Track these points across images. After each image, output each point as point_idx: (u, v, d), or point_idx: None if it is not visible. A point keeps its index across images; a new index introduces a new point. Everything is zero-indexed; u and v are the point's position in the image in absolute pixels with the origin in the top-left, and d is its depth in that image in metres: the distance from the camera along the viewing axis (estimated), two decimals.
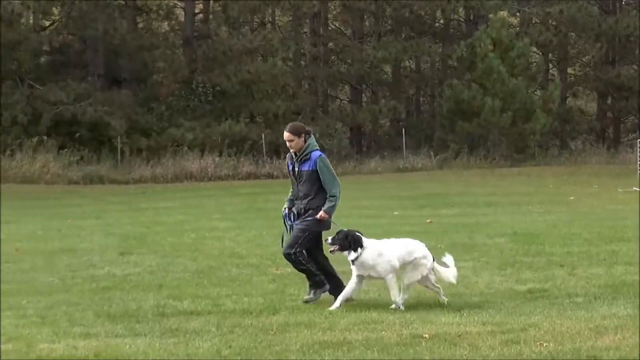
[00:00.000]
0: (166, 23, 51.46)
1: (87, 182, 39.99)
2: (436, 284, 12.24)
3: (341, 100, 60.41)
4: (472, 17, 55.89)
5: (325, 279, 12.26)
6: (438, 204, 28.18)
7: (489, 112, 47.51)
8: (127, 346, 9.80)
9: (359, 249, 11.78)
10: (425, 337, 9.80)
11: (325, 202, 12.06)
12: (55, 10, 48.80)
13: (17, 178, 38.89)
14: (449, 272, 12.24)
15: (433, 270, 12.11)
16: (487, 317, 10.97)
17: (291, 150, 12.22)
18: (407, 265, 11.95)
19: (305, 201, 12.19)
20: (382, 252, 11.86)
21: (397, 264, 11.84)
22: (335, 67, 55.46)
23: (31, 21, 48.97)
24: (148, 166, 42.50)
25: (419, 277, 11.99)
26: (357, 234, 11.94)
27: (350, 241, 11.80)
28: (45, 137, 41.68)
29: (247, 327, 10.61)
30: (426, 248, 12.18)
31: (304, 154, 12.14)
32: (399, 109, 53.51)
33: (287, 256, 12.20)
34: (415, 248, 12.07)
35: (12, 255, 17.45)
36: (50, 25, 49.72)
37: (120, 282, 14.32)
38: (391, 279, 11.83)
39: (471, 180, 38.89)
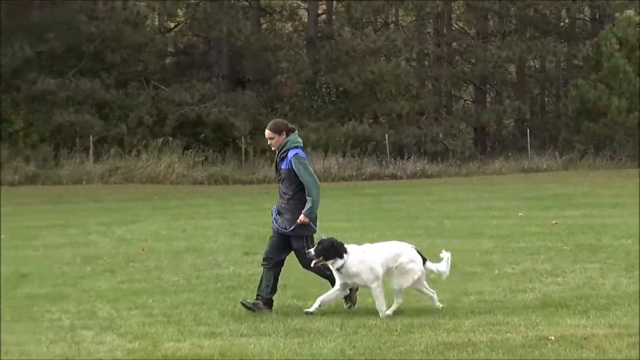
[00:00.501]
0: (290, 24, 51.80)
1: (211, 182, 40.48)
2: (429, 289, 11.78)
3: (465, 100, 59.95)
4: (597, 16, 54.72)
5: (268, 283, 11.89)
6: (563, 205, 27.62)
7: (616, 112, 46.49)
8: (252, 345, 9.83)
9: (345, 256, 11.33)
10: (551, 339, 9.61)
11: (303, 204, 11.64)
12: (179, 12, 49.59)
13: (143, 178, 39.61)
14: (441, 265, 11.78)
15: (424, 273, 11.63)
16: (614, 320, 10.70)
17: (272, 148, 11.97)
18: (393, 270, 11.45)
19: (284, 201, 11.82)
20: (364, 258, 11.39)
21: (380, 271, 11.35)
22: (459, 67, 54.97)
23: (156, 23, 49.87)
24: (272, 167, 42.75)
25: (410, 282, 11.50)
26: (339, 240, 11.46)
27: (334, 249, 11.31)
28: (170, 138, 42.36)
29: (372, 328, 10.55)
30: (414, 251, 11.66)
31: (282, 151, 11.81)
32: (523, 109, 52.79)
33: (308, 268, 11.86)
34: (401, 252, 11.56)
35: (138, 255, 17.73)
36: (175, 26, 50.52)
37: (244, 281, 14.40)
38: (376, 288, 11.34)
39: (597, 181, 38.06)
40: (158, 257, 17.52)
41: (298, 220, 11.60)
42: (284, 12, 50.75)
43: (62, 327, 11.13)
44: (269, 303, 11.80)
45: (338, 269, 11.35)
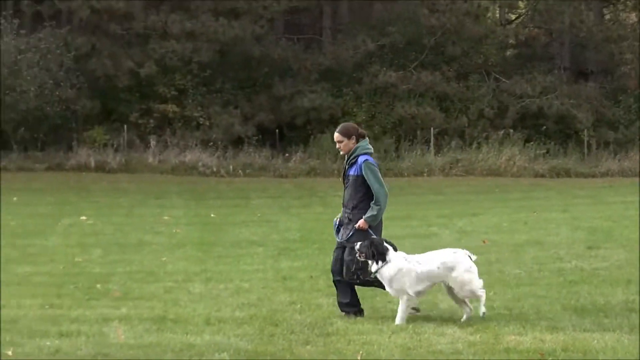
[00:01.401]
0: (634, 14, 49.81)
1: (552, 175, 39.68)
2: (468, 303, 11.03)
3: None
4: None
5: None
6: None
7: None
8: (595, 341, 9.49)
9: (380, 262, 10.81)
10: None
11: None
12: (521, 4, 49.11)
13: (484, 171, 39.50)
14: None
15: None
16: None
17: (341, 153, 11.44)
18: (449, 283, 10.85)
19: (348, 210, 11.33)
20: (402, 268, 10.82)
21: (415, 289, 10.80)
22: None
23: (497, 15, 49.66)
24: (615, 159, 41.36)
25: (468, 292, 10.83)
26: (385, 244, 10.93)
27: (374, 251, 10.83)
28: (511, 131, 41.98)
29: None
30: (469, 258, 10.94)
31: (352, 157, 11.28)
32: None
33: (354, 282, 11.35)
34: (455, 260, 10.87)
35: (479, 247, 17.62)
36: (516, 18, 50.08)
37: (588, 276, 13.97)
38: (404, 302, 10.85)
39: None
40: (499, 250, 17.37)
41: (356, 225, 11.16)
42: (627, 2, 48.87)
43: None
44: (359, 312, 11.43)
45: (375, 273, 10.94)
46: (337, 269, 11.41)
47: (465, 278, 10.80)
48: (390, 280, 10.89)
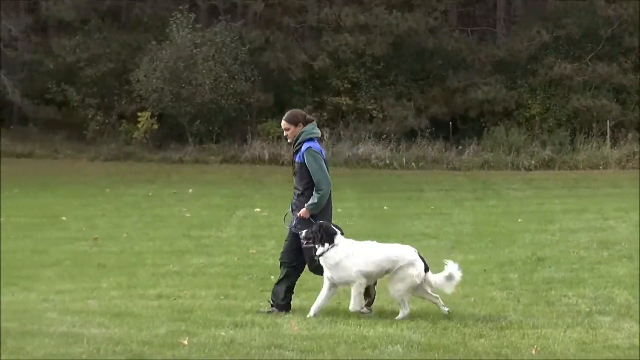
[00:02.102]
0: None
1: None
2: (433, 294, 10.94)
3: None
4: None
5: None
6: None
7: None
8: None
9: (327, 245, 10.59)
10: None
11: None
12: None
13: None
14: (439, 277, 10.83)
15: (426, 280, 10.77)
16: None
17: (288, 141, 11.19)
18: (392, 275, 10.69)
19: (294, 197, 11.19)
20: (350, 254, 10.62)
21: (364, 271, 10.62)
22: None
23: None
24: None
25: (408, 287, 10.69)
26: (333, 228, 10.71)
27: (322, 234, 10.60)
28: None
29: None
30: (416, 254, 10.79)
31: (296, 143, 11.09)
32: None
33: (316, 272, 11.12)
34: (401, 255, 10.73)
35: None
36: None
37: None
38: (358, 286, 10.65)
39: None
40: None
41: (298, 214, 10.94)
42: None
43: (578, 311, 10.98)
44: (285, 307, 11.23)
45: (319, 256, 10.67)
46: (285, 257, 11.32)
47: (405, 272, 10.72)
48: (336, 265, 10.72)
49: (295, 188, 11.24)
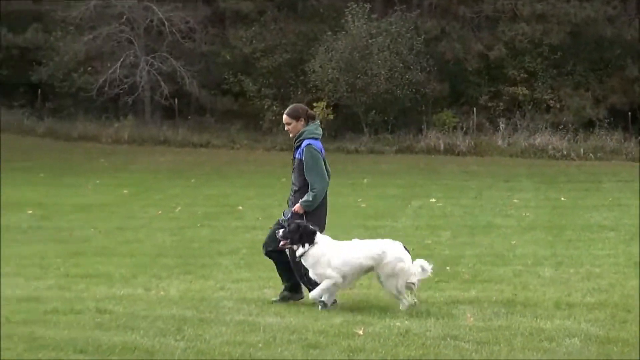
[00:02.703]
0: None
1: None
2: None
3: None
4: None
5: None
6: None
7: None
8: None
9: (307, 245, 10.41)
10: None
11: None
12: None
13: None
14: (417, 268, 10.67)
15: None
16: None
17: (290, 135, 11.06)
18: (378, 273, 10.53)
19: (291, 192, 11.08)
20: (327, 253, 10.45)
21: (342, 270, 10.46)
22: None
23: None
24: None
25: (402, 282, 10.52)
26: (312, 227, 10.52)
27: (302, 234, 10.43)
28: None
29: None
30: (403, 249, 10.63)
31: (297, 140, 10.98)
32: None
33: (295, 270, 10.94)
34: (386, 251, 10.49)
35: None
36: None
37: None
38: (327, 283, 10.48)
39: None
40: None
41: (292, 209, 10.83)
42: None
43: None
44: (294, 289, 11.16)
45: (300, 257, 10.53)
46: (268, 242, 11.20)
47: (395, 268, 10.52)
48: (315, 264, 10.55)
49: (292, 184, 11.18)
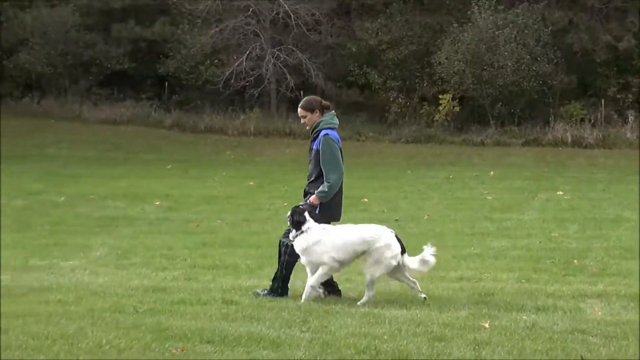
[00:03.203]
0: None
1: None
2: (411, 278, 10.73)
3: None
4: None
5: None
6: None
7: None
8: None
9: (296, 231, 10.46)
10: None
11: None
12: None
13: None
14: (416, 260, 10.59)
15: (402, 263, 10.51)
16: None
17: (307, 128, 11.04)
18: (366, 256, 10.43)
19: (308, 183, 10.98)
20: (320, 239, 10.39)
21: (335, 257, 10.37)
22: None
23: None
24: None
25: (383, 270, 10.44)
26: (302, 213, 10.48)
27: (294, 218, 10.48)
28: None
29: None
30: (392, 235, 10.51)
31: (314, 131, 10.94)
32: None
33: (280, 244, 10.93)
34: (375, 236, 10.44)
35: None
36: None
37: None
38: (327, 266, 10.40)
39: None
40: None
41: (308, 200, 10.75)
42: None
43: None
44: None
45: (292, 241, 10.56)
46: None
47: (382, 254, 10.39)
48: (304, 250, 10.49)
49: (309, 175, 11.06)
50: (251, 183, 26.95)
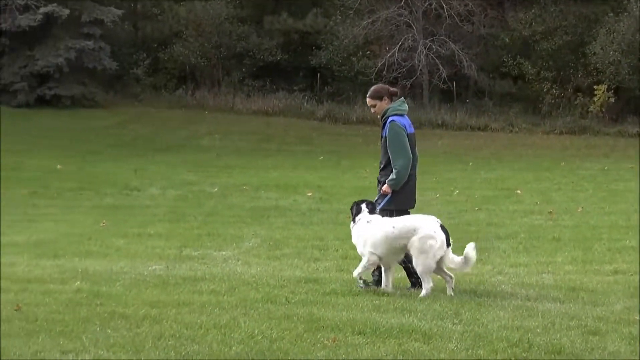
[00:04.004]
0: None
1: None
2: (448, 272, 10.39)
3: None
4: None
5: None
6: None
7: None
8: None
9: (352, 223, 10.61)
10: None
11: None
12: None
13: None
14: (458, 258, 10.27)
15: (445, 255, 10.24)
16: None
17: (378, 117, 10.99)
18: (410, 247, 10.20)
19: (379, 171, 10.97)
20: (365, 230, 10.41)
21: (374, 252, 10.31)
22: None
23: None
24: None
25: (431, 260, 10.15)
26: (361, 205, 10.59)
27: (352, 211, 10.65)
28: None
29: None
30: (437, 225, 10.26)
31: (383, 118, 10.91)
32: None
33: None
34: (419, 226, 10.23)
35: None
36: None
37: None
38: (366, 259, 10.40)
39: None
40: None
41: (381, 190, 10.71)
42: None
43: None
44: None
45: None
46: None
47: (425, 245, 10.17)
48: (356, 240, 10.58)
49: (380, 163, 11.03)
50: None
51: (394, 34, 43.95)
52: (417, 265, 10.28)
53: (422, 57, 42.73)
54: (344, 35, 44.14)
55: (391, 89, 11.14)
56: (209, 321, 8.77)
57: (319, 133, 39.85)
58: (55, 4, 41.74)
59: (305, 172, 27.46)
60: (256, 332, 8.35)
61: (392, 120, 10.81)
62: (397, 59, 42.48)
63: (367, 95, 11.16)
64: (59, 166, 27.64)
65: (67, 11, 41.84)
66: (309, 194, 22.29)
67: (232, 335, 8.26)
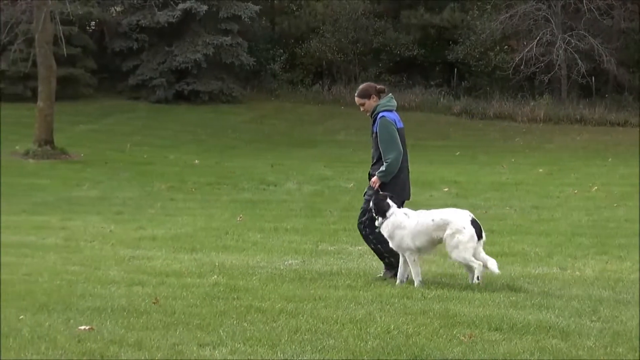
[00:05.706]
0: None
1: None
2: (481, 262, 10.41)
3: None
4: None
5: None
6: None
7: None
8: None
9: (380, 218, 10.58)
10: None
11: None
12: None
13: None
14: (483, 257, 10.47)
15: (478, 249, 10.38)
16: None
17: (367, 114, 11.18)
18: (445, 242, 10.36)
19: (371, 165, 11.16)
20: (401, 224, 10.48)
21: (411, 245, 10.43)
22: None
23: None
24: None
25: (466, 253, 10.28)
26: (385, 200, 10.60)
27: (378, 205, 10.59)
28: None
29: None
30: (468, 219, 10.37)
31: (372, 115, 11.10)
32: None
33: (358, 227, 11.27)
34: (449, 220, 10.35)
35: None
36: None
37: None
38: (409, 256, 10.53)
39: None
40: None
41: (371, 181, 10.93)
42: None
43: None
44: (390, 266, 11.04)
45: (378, 228, 10.69)
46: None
47: (454, 240, 10.27)
48: (389, 236, 10.60)
49: (372, 157, 11.19)
50: (540, 170, 26.50)
51: (532, 29, 43.35)
52: (457, 258, 10.48)
53: (560, 51, 42.01)
54: (481, 29, 43.78)
55: (378, 86, 11.34)
56: (344, 316, 8.79)
57: (455, 128, 39.61)
58: (193, 1, 42.51)
59: (442, 168, 27.32)
60: (392, 327, 8.33)
61: (382, 115, 11.04)
62: (534, 54, 41.86)
63: (356, 95, 11.34)
64: (196, 161, 28.15)
65: (205, 7, 42.56)
66: (445, 189, 22.15)
67: (368, 330, 8.26)
